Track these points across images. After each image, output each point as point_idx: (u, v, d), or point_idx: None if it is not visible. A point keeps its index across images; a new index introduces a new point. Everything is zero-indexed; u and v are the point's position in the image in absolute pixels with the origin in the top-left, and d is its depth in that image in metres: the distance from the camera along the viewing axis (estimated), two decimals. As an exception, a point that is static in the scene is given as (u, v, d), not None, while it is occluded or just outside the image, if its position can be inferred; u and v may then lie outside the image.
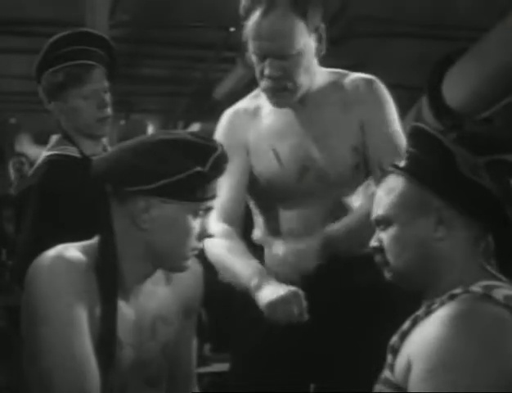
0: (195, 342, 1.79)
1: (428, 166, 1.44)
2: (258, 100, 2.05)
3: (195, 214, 1.52)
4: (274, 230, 2.01)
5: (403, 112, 5.09)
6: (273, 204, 2.00)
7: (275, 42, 1.84)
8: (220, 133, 2.03)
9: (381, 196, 1.50)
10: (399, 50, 4.73)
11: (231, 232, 1.93)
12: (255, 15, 1.85)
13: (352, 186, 1.99)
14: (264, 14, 1.83)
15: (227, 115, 2.07)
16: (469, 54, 4.21)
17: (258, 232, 2.07)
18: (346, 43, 4.55)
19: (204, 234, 1.56)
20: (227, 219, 1.95)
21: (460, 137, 4.02)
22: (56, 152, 2.23)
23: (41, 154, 2.30)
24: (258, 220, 2.06)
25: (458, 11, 4.28)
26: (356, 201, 1.99)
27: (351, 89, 1.99)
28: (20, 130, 8.05)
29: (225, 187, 1.92)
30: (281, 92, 1.90)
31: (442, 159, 1.42)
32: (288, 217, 1.99)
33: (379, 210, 1.49)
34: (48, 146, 2.29)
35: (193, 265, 1.73)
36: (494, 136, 4.13)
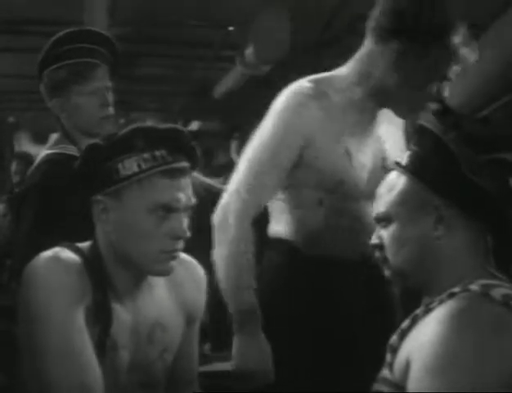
0: (197, 347, 1.79)
1: (430, 165, 1.44)
2: (325, 88, 1.92)
3: (153, 214, 1.49)
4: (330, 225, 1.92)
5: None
6: (337, 201, 1.91)
7: None
8: (281, 117, 1.89)
9: (383, 193, 1.50)
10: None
11: (251, 238, 1.87)
12: None
13: None
14: None
15: (295, 102, 1.89)
16: (468, 52, 4.20)
17: (289, 229, 1.96)
18: (345, 42, 4.54)
19: (178, 235, 1.52)
20: (253, 218, 1.88)
21: (461, 136, 3.99)
22: (55, 151, 2.22)
23: (40, 153, 2.29)
24: (306, 215, 1.94)
25: (456, 9, 4.27)
26: None
27: None
28: (19, 129, 8.04)
29: (271, 186, 1.88)
30: None
31: (444, 158, 1.42)
32: (350, 214, 1.92)
33: (380, 207, 1.50)
34: (48, 144, 2.29)
35: (196, 271, 1.72)
36: (494, 135, 4.12)
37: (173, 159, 1.50)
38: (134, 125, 1.50)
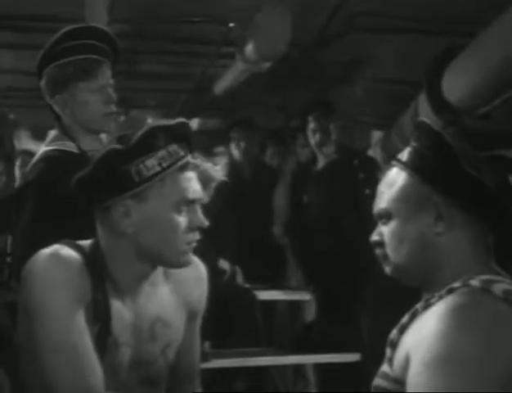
0: (198, 344, 1.79)
1: (430, 162, 1.44)
2: None
3: (177, 209, 1.52)
4: None
5: (402, 107, 5.06)
6: None
7: None
8: None
9: (383, 189, 1.50)
10: (398, 45, 4.72)
11: None
12: None
13: None
14: None
15: None
16: (469, 49, 4.20)
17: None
18: (345, 38, 4.54)
19: (199, 225, 1.55)
20: None
21: (460, 132, 4.01)
22: (53, 148, 2.22)
23: (39, 149, 2.29)
24: None
25: (457, 6, 4.27)
26: None
27: None
28: (19, 126, 8.04)
29: None
30: None
31: (444, 155, 1.42)
32: None
33: (380, 204, 1.50)
34: (46, 141, 2.28)
35: (197, 268, 1.73)
36: (494, 131, 4.13)
37: (184, 152, 1.54)
38: (149, 126, 1.52)
